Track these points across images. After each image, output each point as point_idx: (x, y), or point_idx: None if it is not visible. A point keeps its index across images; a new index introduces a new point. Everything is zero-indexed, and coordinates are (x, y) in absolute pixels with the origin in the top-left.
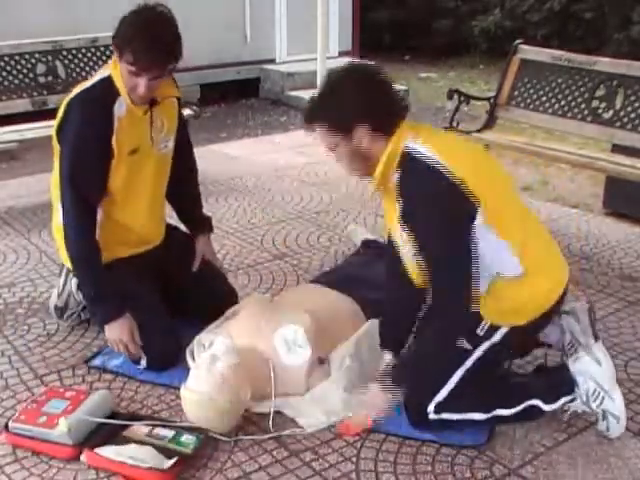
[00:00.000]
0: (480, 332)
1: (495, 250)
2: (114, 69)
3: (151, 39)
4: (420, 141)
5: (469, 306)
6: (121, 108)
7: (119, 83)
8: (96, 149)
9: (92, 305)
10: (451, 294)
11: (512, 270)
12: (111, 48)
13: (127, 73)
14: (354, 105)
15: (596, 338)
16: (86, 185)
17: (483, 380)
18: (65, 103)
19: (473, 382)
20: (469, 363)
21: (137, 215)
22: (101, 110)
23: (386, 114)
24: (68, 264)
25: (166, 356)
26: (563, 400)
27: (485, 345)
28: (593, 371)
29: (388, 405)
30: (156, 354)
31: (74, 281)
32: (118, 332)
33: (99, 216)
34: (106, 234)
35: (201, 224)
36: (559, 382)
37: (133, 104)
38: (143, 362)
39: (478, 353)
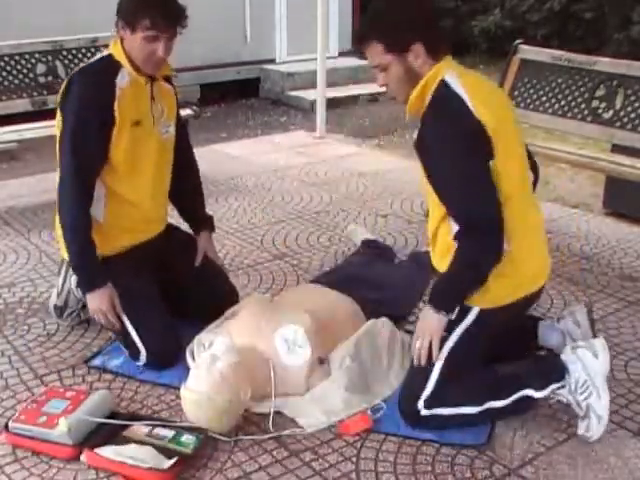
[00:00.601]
0: (451, 316)
1: None
2: (114, 48)
3: (162, 2)
4: (457, 77)
5: (499, 236)
6: (123, 79)
7: (121, 58)
8: (97, 116)
9: (76, 273)
10: (477, 219)
11: None
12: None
13: (143, 42)
14: (413, 23)
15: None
16: (87, 152)
17: (470, 372)
18: (67, 79)
19: (460, 374)
20: (446, 350)
21: (141, 190)
22: (102, 80)
23: (440, 37)
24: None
25: (165, 352)
26: (552, 387)
27: (458, 330)
28: (588, 362)
29: (443, 325)
30: (155, 350)
31: (74, 278)
32: (98, 301)
33: (104, 194)
34: (112, 216)
35: (203, 222)
36: (549, 369)
37: (140, 74)
38: (142, 358)
39: (454, 338)
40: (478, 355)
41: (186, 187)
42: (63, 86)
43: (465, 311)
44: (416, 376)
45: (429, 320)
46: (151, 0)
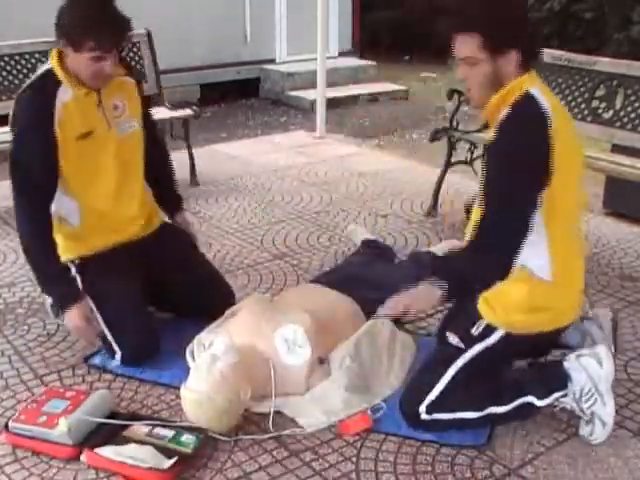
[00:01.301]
0: (475, 332)
1: (533, 233)
2: (53, 61)
3: (106, 21)
4: (542, 93)
5: (511, 257)
6: (66, 94)
7: (60, 73)
8: (36, 137)
9: (46, 293)
10: (500, 233)
11: (539, 265)
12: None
13: (89, 61)
14: (519, 29)
15: (615, 348)
16: (32, 171)
17: (474, 379)
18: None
19: (467, 385)
20: (460, 362)
21: (105, 198)
22: (40, 100)
23: (536, 52)
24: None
25: (140, 350)
26: (556, 395)
27: (478, 347)
28: (592, 370)
29: (435, 301)
30: (128, 350)
31: None
32: (73, 319)
33: (76, 205)
34: (86, 221)
35: (176, 202)
36: (552, 377)
37: (82, 87)
38: (117, 357)
39: (471, 353)
40: (491, 374)
41: (156, 174)
42: (12, 111)
43: (490, 330)
44: (423, 380)
45: (421, 289)
46: (94, 19)
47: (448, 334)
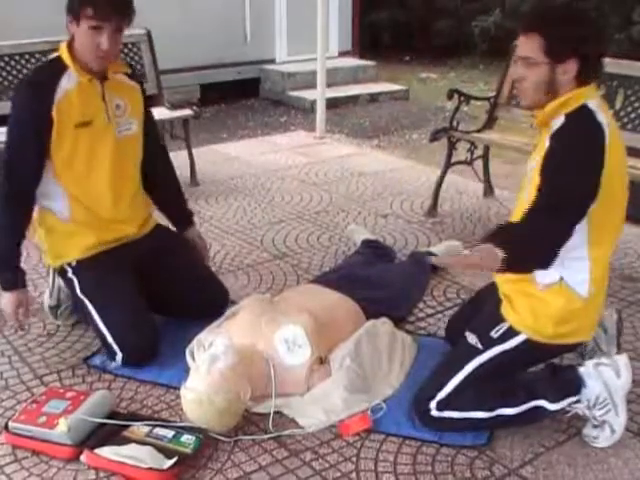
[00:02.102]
0: (494, 334)
1: (578, 249)
2: (62, 49)
3: None
4: (601, 110)
5: (555, 251)
6: (70, 81)
7: (67, 58)
8: (33, 123)
9: None
10: (551, 225)
11: (579, 281)
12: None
13: (88, 34)
14: (584, 41)
15: (619, 348)
16: (20, 153)
17: (487, 380)
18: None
19: (479, 385)
20: (476, 363)
21: (96, 190)
22: (42, 84)
23: (598, 66)
24: (51, 263)
25: (141, 352)
26: (569, 400)
27: (496, 349)
28: (610, 381)
29: (498, 264)
30: (129, 351)
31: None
32: (6, 304)
33: (64, 193)
34: (76, 214)
35: (187, 218)
36: (566, 382)
37: (87, 73)
38: (118, 358)
39: (488, 355)
40: (504, 377)
41: (162, 184)
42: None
43: (510, 335)
44: (437, 377)
45: (485, 250)
46: None
47: (467, 334)
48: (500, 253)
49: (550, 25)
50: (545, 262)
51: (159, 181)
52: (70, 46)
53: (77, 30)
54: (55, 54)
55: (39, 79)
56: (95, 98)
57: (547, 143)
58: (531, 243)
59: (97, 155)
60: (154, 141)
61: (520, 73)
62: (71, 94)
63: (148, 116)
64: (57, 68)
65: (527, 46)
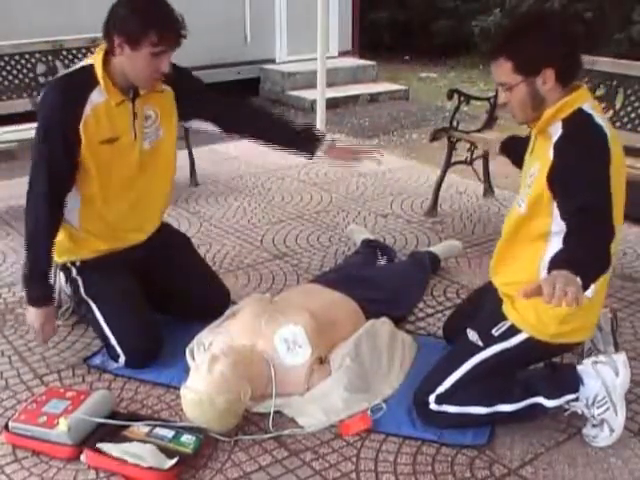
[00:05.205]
0: (495, 332)
1: None
2: (98, 58)
3: (166, 14)
4: (596, 112)
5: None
6: (100, 97)
7: (100, 73)
8: (62, 134)
9: (23, 284)
10: (598, 229)
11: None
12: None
13: (148, 58)
14: (550, 47)
15: (616, 346)
16: (55, 165)
17: (487, 377)
18: (47, 85)
19: (476, 379)
20: (476, 360)
21: (115, 204)
22: (73, 97)
23: (575, 65)
24: (56, 258)
25: (144, 354)
26: (566, 397)
27: (496, 347)
28: (608, 380)
29: (577, 290)
30: (132, 353)
31: (62, 274)
32: (33, 318)
33: (80, 201)
34: (87, 223)
35: (314, 139)
36: (564, 379)
37: (117, 93)
38: (121, 360)
39: (488, 352)
40: (504, 374)
41: (260, 125)
42: (43, 92)
43: (512, 333)
44: (437, 372)
45: (567, 276)
46: (154, 14)
47: (468, 330)
48: (573, 276)
49: (513, 45)
50: (608, 264)
51: (254, 125)
52: (105, 61)
53: (132, 54)
54: (88, 61)
55: (69, 95)
56: (125, 115)
57: (551, 153)
58: (590, 259)
59: (121, 170)
60: (216, 102)
61: (503, 98)
62: (98, 111)
63: (200, 95)
64: (89, 81)
65: (499, 72)
